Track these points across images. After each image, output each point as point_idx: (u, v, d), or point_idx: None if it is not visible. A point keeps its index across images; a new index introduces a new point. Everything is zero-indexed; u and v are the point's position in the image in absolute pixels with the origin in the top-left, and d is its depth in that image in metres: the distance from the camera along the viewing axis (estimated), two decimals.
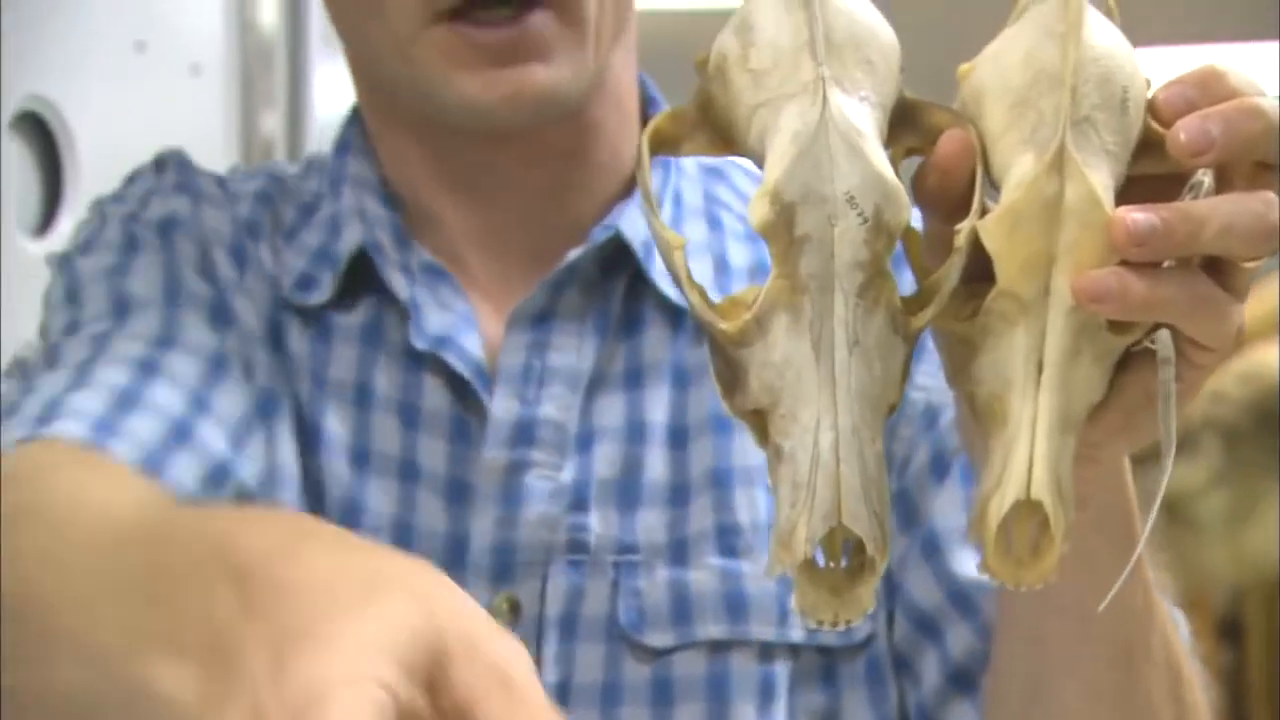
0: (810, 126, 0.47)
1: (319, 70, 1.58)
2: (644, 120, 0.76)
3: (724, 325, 0.48)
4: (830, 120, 0.47)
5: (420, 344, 0.71)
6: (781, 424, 0.48)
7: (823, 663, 0.71)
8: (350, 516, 0.71)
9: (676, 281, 0.50)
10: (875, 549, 0.47)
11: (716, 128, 0.51)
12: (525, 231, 0.74)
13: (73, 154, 0.98)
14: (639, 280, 0.73)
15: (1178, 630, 0.65)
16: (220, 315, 0.72)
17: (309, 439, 0.72)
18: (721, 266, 0.76)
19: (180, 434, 0.66)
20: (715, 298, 0.51)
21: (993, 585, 0.50)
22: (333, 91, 1.55)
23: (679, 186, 0.77)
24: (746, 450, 0.70)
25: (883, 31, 0.50)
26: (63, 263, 0.76)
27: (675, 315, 0.73)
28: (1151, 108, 0.49)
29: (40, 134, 0.98)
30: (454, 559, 0.69)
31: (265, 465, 0.70)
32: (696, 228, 0.76)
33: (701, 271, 0.73)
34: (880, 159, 0.47)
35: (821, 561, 0.47)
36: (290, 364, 0.74)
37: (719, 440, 0.72)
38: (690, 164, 0.79)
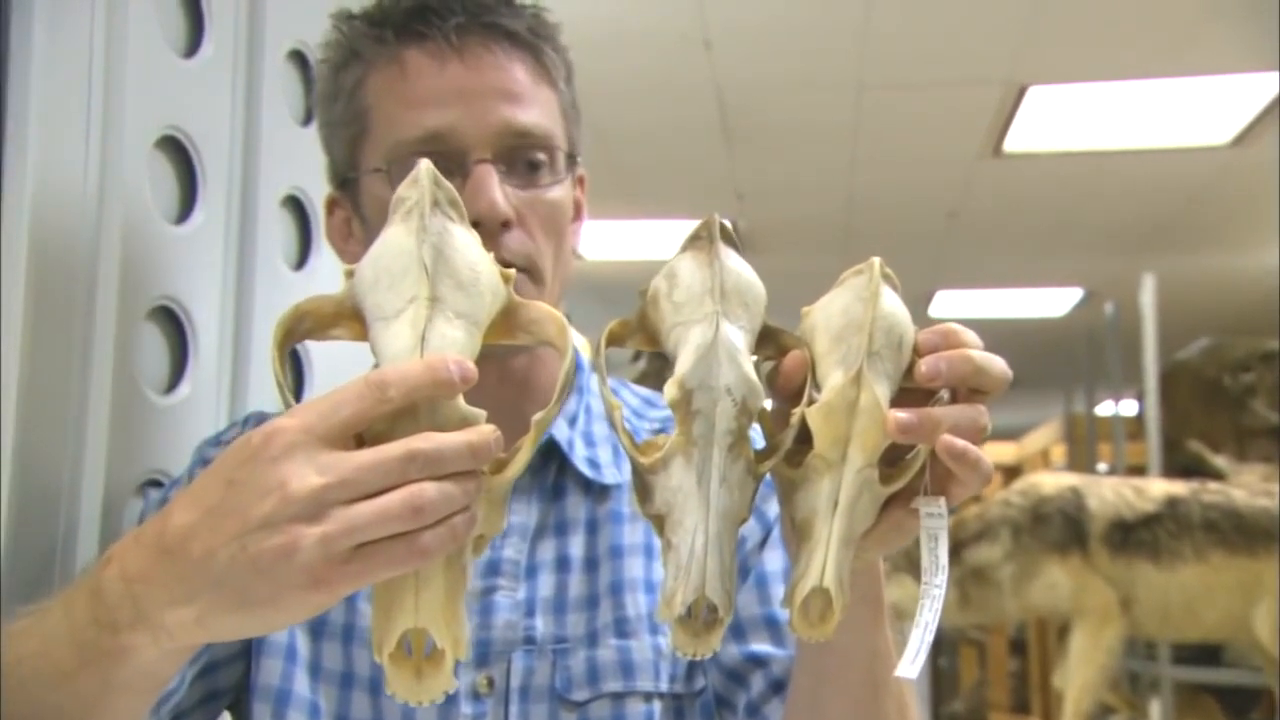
0: (707, 342, 0.70)
1: None
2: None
3: (643, 460, 0.71)
4: (719, 339, 0.69)
5: None
6: (673, 526, 0.70)
7: (677, 704, 1.00)
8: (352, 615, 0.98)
9: (614, 428, 0.72)
10: (724, 611, 0.70)
11: (648, 333, 0.74)
12: None
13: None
14: (563, 465, 1.04)
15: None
16: None
17: None
18: (615, 448, 1.06)
19: None
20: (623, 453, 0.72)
21: (796, 637, 0.74)
22: None
23: (588, 400, 1.09)
24: (633, 569, 1.01)
25: (757, 285, 0.73)
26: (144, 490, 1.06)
27: (587, 486, 1.04)
28: (915, 346, 0.73)
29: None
30: None
31: None
32: (600, 423, 1.08)
33: (605, 438, 1.06)
34: (749, 366, 0.70)
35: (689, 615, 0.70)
36: None
37: (615, 564, 1.01)
38: (594, 384, 1.08)
